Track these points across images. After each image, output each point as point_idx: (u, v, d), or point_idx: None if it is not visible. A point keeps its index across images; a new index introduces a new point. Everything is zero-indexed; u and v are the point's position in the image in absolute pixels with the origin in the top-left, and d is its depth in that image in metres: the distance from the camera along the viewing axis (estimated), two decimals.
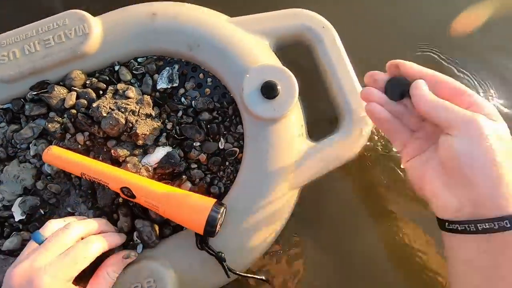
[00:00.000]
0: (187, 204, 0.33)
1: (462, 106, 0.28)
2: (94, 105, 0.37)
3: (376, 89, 0.33)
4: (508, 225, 0.25)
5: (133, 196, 0.34)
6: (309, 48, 0.42)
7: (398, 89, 0.32)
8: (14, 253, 0.37)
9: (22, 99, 0.41)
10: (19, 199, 0.38)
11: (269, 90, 0.35)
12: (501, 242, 0.25)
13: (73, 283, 0.31)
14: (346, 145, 0.38)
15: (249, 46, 0.39)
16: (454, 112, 0.28)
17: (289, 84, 0.36)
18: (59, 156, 0.36)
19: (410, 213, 0.41)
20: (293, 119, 0.38)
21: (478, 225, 0.25)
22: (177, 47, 0.40)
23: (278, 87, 0.36)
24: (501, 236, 0.25)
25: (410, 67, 0.31)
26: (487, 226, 0.25)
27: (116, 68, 0.41)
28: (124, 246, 0.36)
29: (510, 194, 0.25)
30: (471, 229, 0.26)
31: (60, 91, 0.39)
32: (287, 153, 0.36)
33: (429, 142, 0.31)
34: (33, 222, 0.39)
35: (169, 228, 0.37)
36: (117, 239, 0.34)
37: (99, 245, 0.32)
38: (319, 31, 0.41)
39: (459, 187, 0.26)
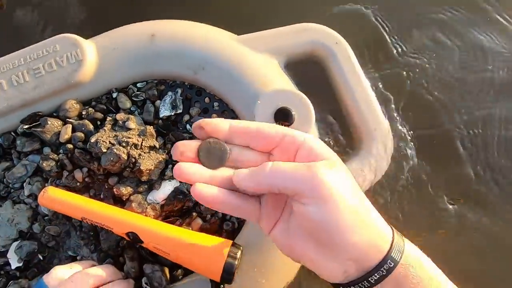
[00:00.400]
0: (201, 250, 0.30)
1: (290, 154, 0.25)
2: (93, 140, 0.34)
3: (189, 163, 0.26)
4: (392, 264, 0.23)
5: (140, 241, 0.31)
6: (321, 65, 0.39)
7: (214, 155, 0.26)
8: None
9: (12, 133, 0.37)
10: (15, 244, 0.35)
11: (283, 117, 0.32)
12: (394, 283, 0.24)
13: None
14: (367, 168, 0.35)
15: (259, 67, 0.36)
16: (292, 178, 0.23)
17: (304, 110, 0.33)
18: (56, 199, 0.33)
19: None
20: None
21: (370, 278, 0.23)
22: (180, 70, 0.37)
23: (293, 114, 0.33)
24: (392, 278, 0.23)
25: (216, 128, 0.26)
26: (378, 276, 0.23)
27: (114, 95, 0.38)
28: None
29: (378, 233, 0.24)
30: (366, 285, 0.24)
31: (54, 124, 0.36)
32: None
33: (280, 206, 0.27)
34: (32, 268, 0.35)
35: (181, 269, 0.34)
36: (125, 287, 0.32)
37: None
38: (332, 47, 0.38)
39: (334, 251, 0.24)
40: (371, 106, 0.37)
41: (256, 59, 0.37)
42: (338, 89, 0.38)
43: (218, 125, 0.26)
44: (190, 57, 0.36)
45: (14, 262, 0.35)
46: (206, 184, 0.25)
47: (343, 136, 0.38)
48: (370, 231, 0.24)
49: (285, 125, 0.33)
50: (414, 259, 0.24)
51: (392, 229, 0.25)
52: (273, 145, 0.26)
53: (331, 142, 0.38)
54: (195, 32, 0.38)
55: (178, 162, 0.26)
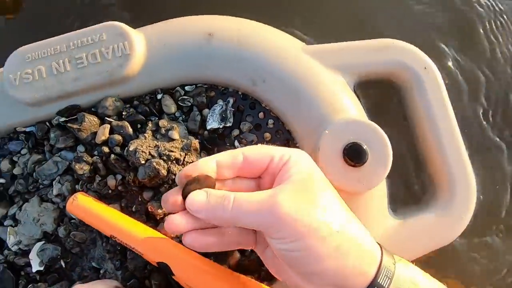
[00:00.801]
0: None
1: (278, 170, 0.24)
2: (131, 148, 0.30)
3: (178, 215, 0.24)
4: None
5: (172, 274, 0.28)
6: (399, 91, 0.33)
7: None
8: None
9: (47, 123, 0.34)
10: (38, 244, 0.33)
11: (355, 156, 0.27)
12: None
13: None
14: (445, 225, 0.30)
15: (329, 87, 0.31)
16: (250, 211, 0.22)
17: (381, 148, 0.28)
18: (86, 209, 0.30)
19: None
20: (377, 189, 0.30)
21: None
22: (237, 78, 0.32)
23: (367, 152, 0.27)
24: None
25: (203, 168, 0.24)
26: None
27: (159, 96, 0.34)
28: None
29: (362, 257, 0.22)
30: None
31: (91, 122, 0.32)
32: (372, 234, 0.29)
33: (261, 235, 0.26)
34: (53, 273, 0.33)
35: None
36: None
37: None
38: (420, 72, 0.31)
39: (314, 278, 0.23)
40: (457, 151, 0.30)
41: (327, 77, 0.31)
42: (419, 124, 0.32)
43: (205, 165, 0.24)
44: (251, 66, 0.31)
45: (36, 265, 0.32)
46: (198, 231, 0.24)
47: (415, 179, 0.32)
48: (351, 256, 0.22)
49: (356, 166, 0.27)
50: (407, 280, 0.23)
51: (381, 250, 0.23)
52: (261, 171, 0.25)
53: (398, 183, 0.32)
54: (260, 36, 0.32)
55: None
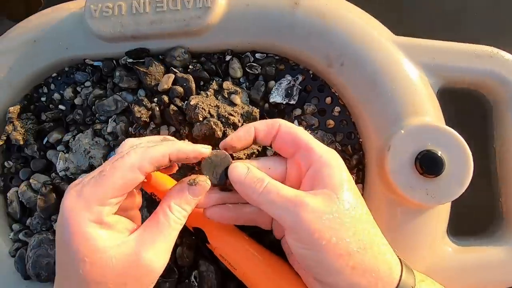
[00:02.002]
0: (278, 279, 0.25)
1: (303, 169, 0.24)
2: (192, 102, 0.30)
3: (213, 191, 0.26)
4: None
5: (207, 241, 0.27)
6: (488, 105, 0.30)
7: (218, 168, 0.25)
8: None
9: (114, 61, 0.35)
10: (83, 175, 0.34)
11: (429, 165, 0.24)
12: None
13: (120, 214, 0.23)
14: None
15: (412, 85, 0.28)
16: (275, 202, 0.22)
17: (461, 164, 0.25)
18: None
19: None
20: (440, 209, 0.27)
21: None
22: (314, 56, 0.30)
23: (444, 164, 0.25)
24: None
25: (238, 141, 0.25)
26: None
27: (227, 58, 0.33)
28: (177, 282, 0.30)
29: (379, 274, 0.22)
30: None
31: (157, 69, 0.32)
32: (424, 256, 0.26)
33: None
34: None
35: (233, 281, 0.30)
36: (188, 149, 0.24)
37: (142, 155, 0.23)
38: None
39: (322, 283, 0.23)
40: None
41: (412, 74, 0.28)
42: (505, 145, 0.28)
43: (242, 136, 0.25)
44: (333, 45, 0.29)
45: None
46: (220, 206, 0.26)
47: (483, 204, 0.29)
48: (365, 277, 0.22)
49: (427, 177, 0.25)
50: None
51: (402, 267, 0.23)
52: (290, 153, 0.24)
53: (462, 205, 0.28)
54: (348, 15, 0.30)
55: None
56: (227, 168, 0.25)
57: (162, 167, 0.24)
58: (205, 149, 0.24)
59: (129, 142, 0.25)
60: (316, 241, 0.21)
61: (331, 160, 0.23)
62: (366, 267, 0.22)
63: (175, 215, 0.23)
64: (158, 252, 0.22)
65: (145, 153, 0.23)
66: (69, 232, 0.21)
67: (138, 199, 0.26)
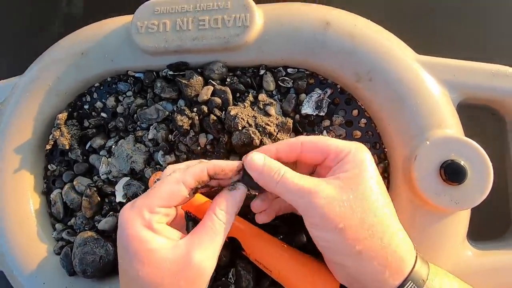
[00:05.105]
0: (311, 277, 0.27)
1: (335, 163, 0.25)
2: (232, 112, 0.32)
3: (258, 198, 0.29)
4: None
5: (242, 249, 0.29)
6: (505, 123, 0.33)
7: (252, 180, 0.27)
8: (105, 234, 0.35)
9: (154, 73, 0.37)
10: (125, 179, 0.36)
11: (453, 174, 0.27)
12: None
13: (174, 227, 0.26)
14: None
15: (434, 99, 0.31)
16: (291, 190, 0.25)
17: (482, 172, 0.27)
18: None
19: None
20: (461, 214, 0.29)
21: None
22: (343, 71, 0.33)
23: (467, 173, 0.27)
24: None
25: (267, 151, 0.27)
26: None
27: (261, 72, 0.35)
28: (214, 280, 0.32)
29: (390, 263, 0.23)
30: None
31: (197, 81, 0.35)
32: (446, 259, 0.29)
33: None
34: None
35: (268, 279, 0.32)
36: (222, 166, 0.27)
37: (185, 171, 0.26)
38: None
39: (338, 267, 0.25)
40: None
41: (435, 90, 0.31)
42: None
43: (267, 151, 0.27)
44: (362, 62, 0.32)
45: (119, 196, 0.36)
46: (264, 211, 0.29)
47: (499, 211, 0.31)
48: (371, 264, 0.23)
49: (452, 185, 0.27)
50: None
51: (415, 262, 0.24)
52: (319, 162, 0.27)
53: (480, 211, 0.31)
54: (375, 35, 0.33)
55: None
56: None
57: (203, 181, 0.26)
58: (238, 164, 0.27)
59: (171, 166, 0.28)
60: (327, 225, 0.23)
61: (357, 153, 0.25)
62: (374, 254, 0.23)
63: (219, 219, 0.25)
64: (207, 253, 0.24)
65: (187, 170, 0.26)
66: (126, 236, 0.24)
67: (183, 220, 0.29)
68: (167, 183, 0.25)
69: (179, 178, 0.26)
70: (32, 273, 0.35)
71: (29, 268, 0.35)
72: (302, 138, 0.27)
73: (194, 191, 0.26)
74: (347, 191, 0.24)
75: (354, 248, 0.23)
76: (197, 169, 0.26)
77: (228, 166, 0.27)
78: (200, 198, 0.31)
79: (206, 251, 0.24)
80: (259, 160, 0.26)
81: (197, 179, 0.26)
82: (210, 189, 0.28)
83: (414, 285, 0.23)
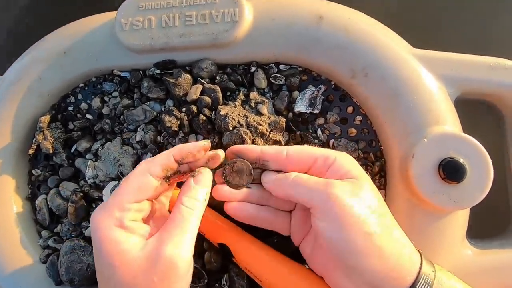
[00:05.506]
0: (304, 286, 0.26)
1: (322, 171, 0.25)
2: (222, 112, 0.31)
3: (224, 185, 0.28)
4: None
5: (232, 256, 0.28)
6: (502, 117, 0.32)
7: (240, 174, 0.27)
8: None
9: (141, 72, 0.36)
10: (113, 183, 0.35)
11: (452, 172, 0.26)
12: None
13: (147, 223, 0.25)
14: None
15: (431, 95, 0.29)
16: (308, 192, 0.24)
17: (482, 170, 0.26)
18: None
19: None
20: (460, 213, 0.28)
21: None
22: (337, 67, 0.31)
23: (466, 171, 0.26)
24: None
25: (247, 152, 0.27)
26: None
27: (252, 69, 0.34)
28: (207, 286, 0.31)
29: (401, 262, 0.23)
30: None
31: (185, 80, 0.33)
32: (446, 258, 0.28)
33: (309, 221, 0.26)
34: None
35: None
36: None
37: (149, 161, 0.25)
38: None
39: (350, 272, 0.23)
40: None
41: (431, 85, 0.30)
42: None
43: (253, 150, 0.27)
44: (357, 57, 0.31)
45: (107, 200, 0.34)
46: (240, 202, 0.28)
47: (498, 209, 0.31)
48: (392, 259, 0.23)
49: (450, 183, 0.26)
50: None
51: (422, 258, 0.24)
52: (306, 169, 0.26)
53: (479, 210, 0.30)
54: (370, 29, 0.31)
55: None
56: (250, 171, 0.27)
57: (171, 168, 0.26)
58: (205, 143, 0.26)
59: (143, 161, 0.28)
60: (346, 219, 0.22)
61: (345, 158, 0.26)
62: (392, 250, 0.23)
63: (186, 206, 0.24)
64: (177, 245, 0.23)
65: (152, 159, 0.26)
66: (98, 239, 0.23)
67: (166, 214, 0.28)
68: (134, 176, 0.25)
69: (144, 169, 0.25)
70: (17, 283, 0.34)
71: (14, 278, 0.34)
72: (287, 147, 0.27)
73: (167, 179, 0.26)
74: (356, 189, 0.24)
75: (375, 243, 0.22)
76: (163, 156, 0.26)
77: (195, 147, 0.26)
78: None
79: (177, 242, 0.23)
80: (271, 173, 0.27)
81: (164, 167, 0.25)
82: (183, 174, 0.27)
83: (426, 277, 0.23)
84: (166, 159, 0.25)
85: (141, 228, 0.24)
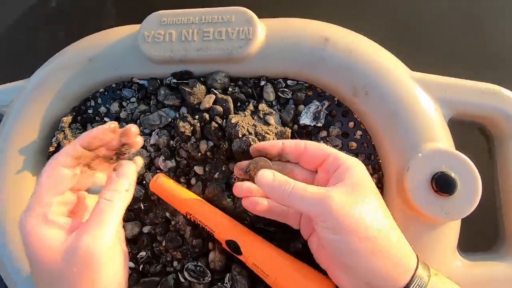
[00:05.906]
0: (306, 283, 0.28)
1: (331, 169, 0.28)
2: (233, 121, 0.34)
3: (247, 183, 0.30)
4: None
5: (240, 253, 0.30)
6: (492, 138, 0.34)
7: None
8: None
9: (158, 81, 0.39)
10: None
11: (444, 185, 0.28)
12: None
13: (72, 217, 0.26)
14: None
15: (427, 114, 0.32)
16: (304, 198, 0.26)
17: (471, 184, 0.29)
18: (166, 188, 0.33)
19: None
20: (452, 225, 0.30)
21: None
22: (341, 86, 0.34)
23: (456, 185, 0.28)
24: None
25: (271, 146, 0.30)
26: None
27: (262, 83, 0.37)
28: (210, 285, 0.32)
29: (397, 264, 0.24)
30: None
31: (200, 90, 0.36)
32: (437, 269, 0.29)
33: (306, 223, 0.30)
34: (130, 212, 0.37)
35: (262, 285, 0.32)
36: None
37: (57, 155, 0.26)
38: None
39: (351, 272, 0.25)
40: None
41: (428, 105, 0.33)
42: (506, 176, 0.32)
43: (276, 144, 0.30)
44: (358, 77, 0.33)
45: None
46: (256, 197, 0.30)
47: (488, 223, 0.33)
48: (383, 261, 0.24)
49: (442, 196, 0.29)
50: None
51: (418, 261, 0.25)
52: (318, 164, 0.29)
53: (470, 223, 0.32)
54: (371, 51, 0.34)
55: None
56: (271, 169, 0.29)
57: (83, 156, 0.26)
58: (110, 125, 0.27)
59: None
60: (343, 225, 0.24)
61: (353, 163, 0.27)
62: (385, 253, 0.24)
63: (105, 198, 0.26)
64: (94, 237, 0.24)
65: (60, 151, 0.27)
66: (25, 237, 0.24)
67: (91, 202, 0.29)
68: (46, 171, 0.26)
69: (54, 162, 0.26)
70: (31, 278, 0.35)
71: (29, 274, 0.36)
72: (306, 141, 0.30)
73: (86, 165, 0.27)
74: (355, 194, 0.25)
75: (368, 246, 0.24)
76: (69, 147, 0.27)
77: (98, 131, 0.27)
78: (202, 203, 0.32)
79: (93, 234, 0.24)
80: (268, 176, 0.28)
81: (73, 156, 0.26)
82: (96, 156, 0.27)
83: (420, 280, 0.24)
84: (72, 148, 0.26)
85: (66, 222, 0.25)
